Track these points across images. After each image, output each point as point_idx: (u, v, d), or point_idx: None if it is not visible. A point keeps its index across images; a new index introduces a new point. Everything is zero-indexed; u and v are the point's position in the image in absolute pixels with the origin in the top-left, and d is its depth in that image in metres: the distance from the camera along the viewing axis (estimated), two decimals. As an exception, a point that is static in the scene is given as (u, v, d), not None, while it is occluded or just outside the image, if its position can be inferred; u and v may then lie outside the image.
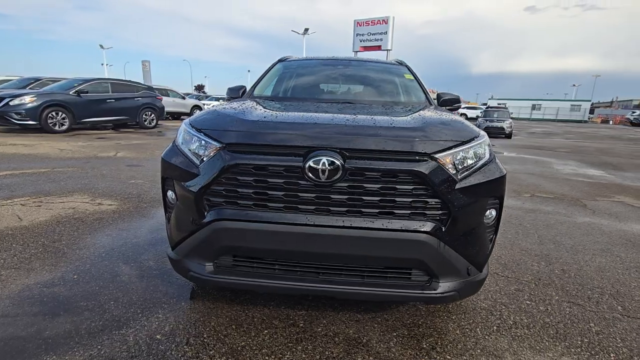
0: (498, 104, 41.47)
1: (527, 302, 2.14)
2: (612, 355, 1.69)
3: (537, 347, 1.72)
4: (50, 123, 9.73)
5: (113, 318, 1.85)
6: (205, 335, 1.74)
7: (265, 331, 1.79)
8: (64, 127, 10.02)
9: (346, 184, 1.44)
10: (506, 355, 1.67)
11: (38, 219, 3.22)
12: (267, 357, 1.60)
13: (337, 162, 1.39)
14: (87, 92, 10.55)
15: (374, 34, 23.00)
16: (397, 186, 1.43)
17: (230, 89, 3.06)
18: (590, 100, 57.67)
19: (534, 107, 51.80)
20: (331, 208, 1.46)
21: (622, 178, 6.80)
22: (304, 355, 1.62)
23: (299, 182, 1.44)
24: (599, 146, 13.83)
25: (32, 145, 7.39)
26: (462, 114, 35.43)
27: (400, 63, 3.30)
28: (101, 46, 43.05)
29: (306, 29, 30.51)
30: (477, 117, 22.51)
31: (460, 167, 1.54)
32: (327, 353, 1.64)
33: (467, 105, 41.87)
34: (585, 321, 1.95)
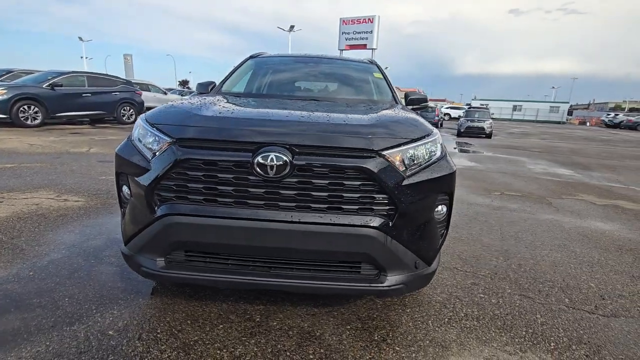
0: (481, 104, 42.37)
1: (481, 295, 2.22)
2: (552, 344, 1.78)
3: (483, 338, 1.79)
4: (22, 117, 9.39)
5: (66, 314, 1.82)
6: (158, 331, 1.74)
7: (221, 326, 1.80)
8: (37, 122, 9.68)
9: (295, 180, 1.46)
10: (453, 345, 1.73)
11: (-2, 215, 3.12)
12: (218, 352, 1.62)
13: (285, 158, 1.42)
14: (61, 86, 10.22)
15: (360, 33, 23.12)
16: (345, 182, 1.47)
17: (199, 84, 3.04)
18: (568, 102, 59.55)
19: (515, 108, 53.12)
20: (280, 203, 1.48)
21: (589, 177, 7.07)
22: (255, 349, 1.64)
23: (249, 177, 1.45)
24: (572, 146, 14.32)
25: (0, 140, 7.13)
26: (445, 114, 36.04)
27: (371, 62, 3.35)
28: (80, 38, 41.73)
29: (292, 26, 30.39)
30: (459, 117, 22.91)
31: (409, 164, 1.59)
32: (279, 346, 1.66)
33: (450, 106, 42.61)
34: (533, 313, 2.04)
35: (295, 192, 1.47)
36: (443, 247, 2.86)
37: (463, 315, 1.99)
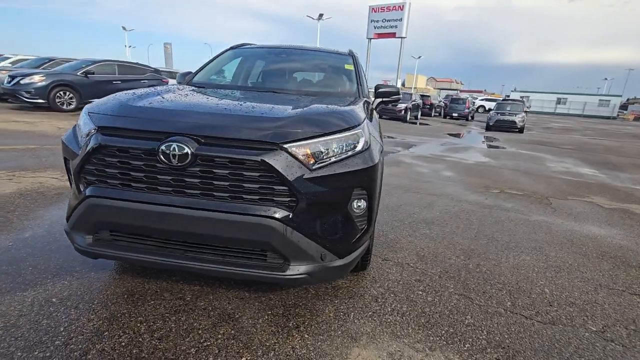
0: (520, 97, 39.90)
1: (419, 292, 2.20)
2: (467, 345, 1.75)
3: (398, 334, 1.80)
4: (58, 102, 10.19)
5: (23, 281, 2.04)
6: (95, 302, 1.91)
7: (152, 302, 1.94)
8: (71, 107, 10.46)
9: (198, 169, 1.53)
10: (363, 338, 1.75)
11: (4, 191, 3.48)
12: (139, 325, 1.75)
13: (187, 149, 1.49)
14: (93, 73, 10.92)
15: (389, 21, 22.45)
16: (245, 173, 1.52)
17: (179, 75, 3.18)
18: (620, 96, 54.43)
19: (559, 101, 49.49)
20: (186, 190, 1.57)
21: (613, 178, 6.55)
22: (172, 325, 1.76)
23: (157, 165, 1.55)
24: (611, 144, 13.23)
25: (33, 123, 7.80)
26: (479, 107, 34.36)
27: (349, 54, 3.31)
28: (123, 28, 44.03)
29: (320, 15, 30.07)
30: (490, 109, 21.80)
31: (318, 157, 1.61)
32: (195, 324, 1.77)
33: (487, 97, 40.51)
34: (464, 314, 2.00)
35: (199, 180, 1.54)
36: (403, 241, 2.90)
37: (389, 310, 1.99)
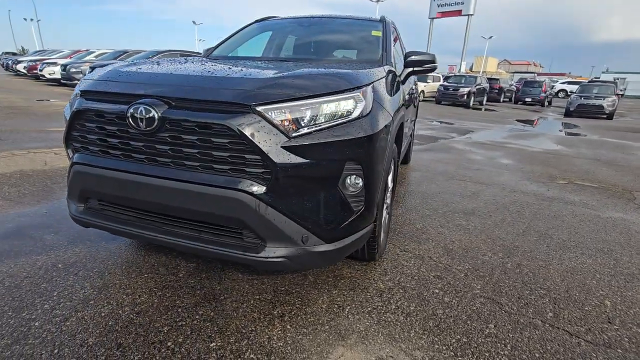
0: (614, 79, 34.33)
1: (436, 290, 1.87)
2: (481, 361, 1.41)
3: (396, 336, 1.52)
4: (128, 90, 11.17)
5: (42, 246, 2.16)
6: (94, 271, 1.93)
7: (146, 275, 1.91)
8: (139, 94, 11.41)
9: (167, 135, 1.40)
10: (352, 337, 1.51)
11: (58, 165, 3.82)
12: (124, 296, 1.72)
13: (153, 111, 1.36)
14: (213, 49, 11.76)
15: (455, -3, 20.65)
16: (214, 139, 1.35)
17: (204, 50, 3.15)
18: None
19: (666, 84, 41.58)
20: (157, 158, 1.45)
21: None
22: (156, 300, 1.70)
23: (129, 130, 1.45)
24: None
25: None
26: (560, 90, 30.34)
27: (380, 20, 2.95)
28: (194, 22, 47.00)
29: (380, -5, 28.75)
30: (570, 93, 19.08)
31: (301, 122, 1.38)
32: (177, 302, 1.69)
33: (569, 80, 35.58)
34: (486, 321, 1.64)
35: (168, 147, 1.41)
36: (431, 232, 2.53)
37: (393, 307, 1.71)
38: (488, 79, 20.83)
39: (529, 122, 12.09)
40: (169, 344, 1.43)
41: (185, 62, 1.92)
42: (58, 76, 13.92)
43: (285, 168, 1.34)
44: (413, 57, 2.56)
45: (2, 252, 2.05)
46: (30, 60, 17.28)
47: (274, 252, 1.42)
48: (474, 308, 1.73)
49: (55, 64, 14.52)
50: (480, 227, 2.74)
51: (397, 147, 2.40)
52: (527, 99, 19.87)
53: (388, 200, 2.29)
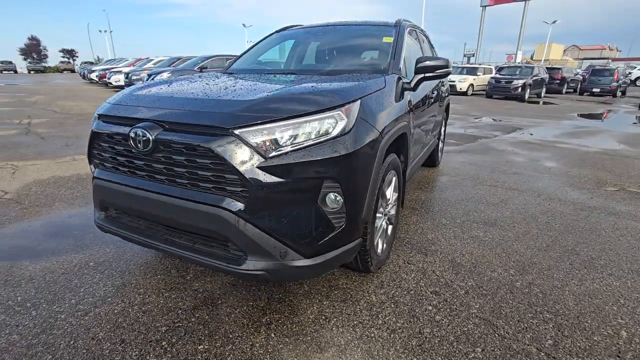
0: None
1: (429, 307, 1.83)
2: (456, 386, 1.37)
3: (374, 353, 1.53)
4: (179, 94, 12.05)
5: (81, 245, 2.47)
6: (118, 270, 2.18)
7: (159, 276, 2.11)
8: (189, 98, 12.25)
9: (161, 155, 1.55)
10: (330, 350, 1.55)
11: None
12: (137, 296, 1.92)
13: (148, 134, 1.51)
14: (206, 68, 12.49)
15: (511, -18, 19.12)
16: (198, 160, 1.46)
17: (228, 62, 3.34)
18: None
19: None
20: (156, 175, 1.61)
21: None
22: (161, 301, 1.88)
23: (132, 150, 1.62)
24: None
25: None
26: (637, 78, 26.70)
27: (395, 24, 2.89)
28: (243, 25, 49.06)
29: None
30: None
31: (279, 143, 1.44)
32: (179, 304, 1.85)
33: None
34: (474, 344, 1.57)
35: (163, 166, 1.56)
36: (442, 243, 2.46)
37: (380, 323, 1.71)
38: (548, 68, 19.03)
39: (593, 116, 10.89)
40: (163, 343, 1.59)
41: (192, 82, 2.07)
42: (122, 83, 15.40)
43: (261, 187, 1.42)
44: (424, 63, 2.49)
45: (50, 250, 2.40)
46: (101, 69, 19.30)
47: (254, 265, 1.51)
48: (465, 329, 1.67)
49: (120, 72, 16.08)
50: (498, 239, 2.59)
51: (403, 156, 2.36)
52: (594, 90, 17.87)
53: (392, 211, 2.28)
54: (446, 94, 4.27)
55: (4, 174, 3.98)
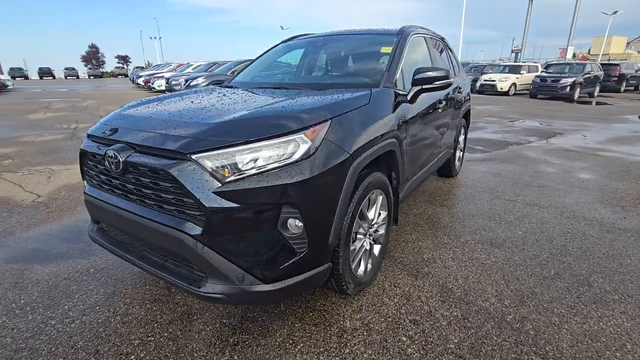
0: None
1: (404, 338, 1.73)
2: None
3: (332, 386, 1.47)
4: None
5: (87, 251, 2.64)
6: (113, 278, 2.30)
7: (147, 287, 2.20)
8: (222, 101, 12.72)
9: (131, 176, 1.61)
10: (288, 378, 1.52)
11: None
12: (124, 305, 2.01)
13: (118, 156, 1.58)
14: (239, 72, 12.90)
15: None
16: (161, 183, 1.50)
17: (235, 72, 3.42)
18: None
19: None
20: (129, 195, 1.67)
21: None
22: (142, 312, 1.95)
23: (109, 170, 1.70)
24: None
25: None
26: None
27: (398, 33, 2.77)
28: (281, 27, 49.94)
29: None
30: None
31: (236, 168, 1.44)
32: (157, 317, 1.91)
33: None
34: (441, 385, 1.46)
35: (133, 186, 1.62)
36: (437, 265, 2.33)
37: (346, 352, 1.65)
38: (604, 64, 17.36)
39: (653, 118, 9.77)
40: (132, 357, 1.65)
41: (178, 101, 2.12)
42: (164, 87, 16.36)
43: (218, 212, 1.42)
44: (421, 75, 2.37)
45: (60, 254, 2.59)
46: (147, 75, 20.62)
47: (213, 288, 1.51)
48: (436, 366, 1.56)
49: (162, 77, 17.07)
50: (501, 263, 2.40)
51: (395, 172, 2.27)
52: (659, 87, 16.00)
53: (381, 230, 2.20)
54: (464, 100, 4.04)
55: (42, 178, 4.37)
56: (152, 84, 17.77)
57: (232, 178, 1.43)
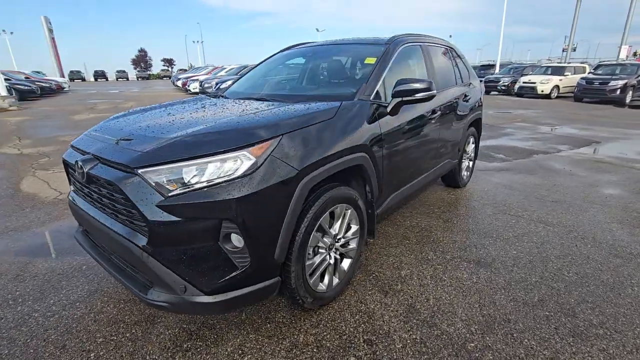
0: None
1: (352, 358, 1.69)
2: None
3: (265, 401, 1.48)
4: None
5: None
6: (99, 275, 2.45)
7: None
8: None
9: (94, 186, 1.72)
10: (225, 389, 1.54)
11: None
12: (101, 303, 2.15)
13: (84, 167, 1.69)
14: (235, 81, 13.22)
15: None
16: (115, 194, 1.59)
17: (236, 78, 3.53)
18: None
19: None
20: (95, 203, 1.79)
21: None
22: (114, 312, 2.07)
23: (82, 179, 1.83)
24: None
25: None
26: None
27: (386, 42, 2.71)
28: (317, 29, 50.41)
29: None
30: None
31: (179, 182, 1.49)
32: (125, 318, 2.02)
33: None
34: (374, 412, 1.41)
35: (97, 195, 1.73)
36: (414, 282, 2.27)
37: (289, 368, 1.65)
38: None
39: None
40: (92, 354, 1.76)
41: (156, 113, 2.23)
42: (198, 90, 17.12)
43: (160, 225, 1.48)
44: (401, 87, 2.30)
45: (63, 250, 2.81)
46: (185, 77, 21.70)
47: (158, 296, 1.58)
48: (376, 392, 1.52)
49: (197, 80, 17.88)
50: (482, 285, 2.27)
51: (369, 186, 2.22)
52: None
53: (352, 244, 2.17)
54: (472, 109, 3.85)
55: (67, 176, 4.76)
56: (188, 86, 18.67)
57: (174, 192, 1.48)
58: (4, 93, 13.81)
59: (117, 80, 55.58)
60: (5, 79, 16.14)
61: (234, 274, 1.57)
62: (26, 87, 17.35)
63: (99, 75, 55.82)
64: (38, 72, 29.53)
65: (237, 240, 1.54)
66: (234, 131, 1.66)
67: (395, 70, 2.68)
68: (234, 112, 2.02)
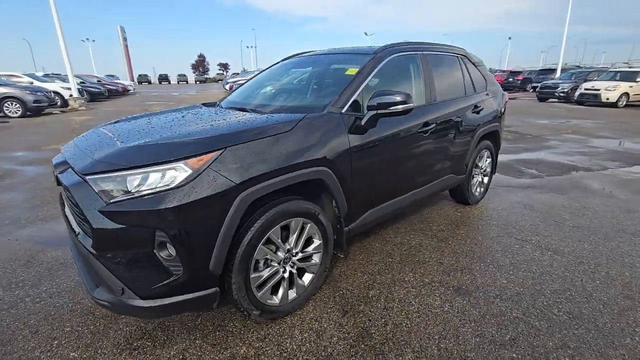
0: None
1: (282, 378, 1.66)
2: None
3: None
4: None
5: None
6: (91, 268, 2.68)
7: (110, 281, 2.51)
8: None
9: (63, 188, 1.89)
10: (152, 392, 1.60)
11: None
12: (82, 294, 2.35)
13: (55, 171, 1.87)
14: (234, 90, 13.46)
15: None
16: (70, 199, 1.73)
17: (235, 87, 3.66)
18: None
19: None
20: (68, 204, 1.96)
21: None
22: (89, 304, 2.25)
23: (54, 180, 2.02)
24: None
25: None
26: None
27: (374, 52, 2.63)
28: (365, 33, 50.18)
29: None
30: None
31: (121, 190, 1.58)
32: (96, 312, 2.18)
33: None
34: None
35: (66, 198, 1.90)
36: (376, 305, 2.16)
37: (219, 379, 1.66)
38: None
39: None
40: (55, 342, 1.93)
41: (138, 122, 2.37)
42: (242, 94, 17.87)
43: (101, 229, 1.58)
44: (375, 100, 2.22)
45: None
46: (232, 81, 22.84)
47: (102, 295, 1.69)
48: (292, 416, 1.47)
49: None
50: (451, 315, 2.09)
51: (334, 200, 2.18)
52: None
53: (315, 259, 2.15)
54: (485, 122, 3.57)
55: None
56: (232, 89, 19.59)
57: (115, 200, 1.58)
58: (76, 95, 15.62)
59: (178, 83, 60.24)
60: (80, 82, 18.25)
61: (167, 281, 1.63)
62: (96, 90, 19.47)
63: (163, 78, 60.99)
64: (112, 76, 33.00)
65: (170, 248, 1.60)
66: (176, 143, 1.73)
67: (382, 82, 2.60)
68: (200, 124, 2.10)
